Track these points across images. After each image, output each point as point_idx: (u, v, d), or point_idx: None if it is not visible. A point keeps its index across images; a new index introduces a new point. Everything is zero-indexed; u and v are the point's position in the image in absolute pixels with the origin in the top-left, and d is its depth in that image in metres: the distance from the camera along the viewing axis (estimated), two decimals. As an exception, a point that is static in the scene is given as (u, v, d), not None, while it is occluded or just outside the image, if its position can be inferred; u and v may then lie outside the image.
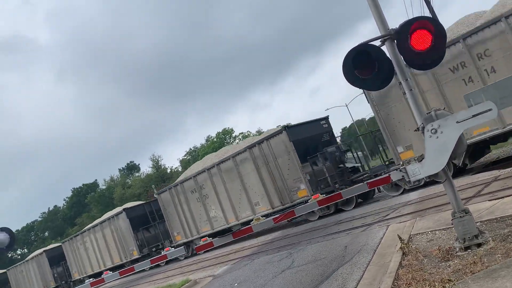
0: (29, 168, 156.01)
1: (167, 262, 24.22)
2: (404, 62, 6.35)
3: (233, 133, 71.02)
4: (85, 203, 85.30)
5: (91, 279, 28.85)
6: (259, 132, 68.79)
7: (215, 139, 70.10)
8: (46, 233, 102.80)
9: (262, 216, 18.74)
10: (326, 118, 20.45)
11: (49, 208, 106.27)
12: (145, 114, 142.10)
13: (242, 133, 70.86)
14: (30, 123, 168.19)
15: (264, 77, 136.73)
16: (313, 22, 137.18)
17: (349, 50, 6.14)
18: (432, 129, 6.08)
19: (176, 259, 23.96)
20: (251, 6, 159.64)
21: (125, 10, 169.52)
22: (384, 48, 6.37)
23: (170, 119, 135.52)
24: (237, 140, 68.88)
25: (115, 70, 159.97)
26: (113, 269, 27.22)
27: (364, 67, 6.19)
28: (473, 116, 5.81)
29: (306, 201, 17.16)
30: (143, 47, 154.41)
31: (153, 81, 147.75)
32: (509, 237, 6.06)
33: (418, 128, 6.45)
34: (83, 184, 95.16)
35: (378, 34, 6.43)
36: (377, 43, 6.36)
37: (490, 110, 5.69)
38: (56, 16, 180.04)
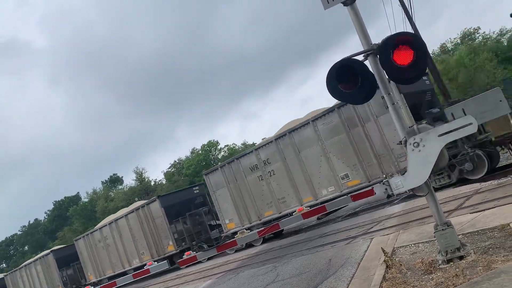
0: (9, 180, 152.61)
1: (151, 277, 23.87)
2: (387, 77, 6.45)
3: (219, 145, 70.73)
4: (66, 216, 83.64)
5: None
6: (244, 144, 68.69)
7: (200, 151, 69.68)
8: (26, 247, 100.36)
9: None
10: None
11: (29, 221, 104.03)
12: (134, 123, 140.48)
13: (227, 145, 70.61)
14: (17, 131, 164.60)
15: (257, 87, 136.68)
16: (307, 33, 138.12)
17: (332, 64, 6.23)
18: (415, 142, 6.16)
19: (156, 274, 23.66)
20: (247, 16, 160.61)
21: (123, 17, 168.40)
22: (367, 62, 6.46)
23: (160, 129, 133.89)
24: (222, 153, 68.59)
25: (109, 77, 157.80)
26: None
27: (347, 81, 6.27)
28: (454, 130, 5.93)
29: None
30: (139, 54, 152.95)
31: (145, 90, 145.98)
32: (490, 249, 6.14)
33: (400, 142, 6.52)
34: (65, 197, 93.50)
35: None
36: (360, 57, 6.46)
37: (470, 124, 5.81)
38: (52, 20, 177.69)
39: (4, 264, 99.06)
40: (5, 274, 38.49)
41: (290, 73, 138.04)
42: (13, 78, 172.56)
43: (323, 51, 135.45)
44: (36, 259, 33.05)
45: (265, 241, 19.16)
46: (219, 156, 67.36)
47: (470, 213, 9.12)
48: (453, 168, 13.99)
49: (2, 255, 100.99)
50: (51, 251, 31.58)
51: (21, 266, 36.04)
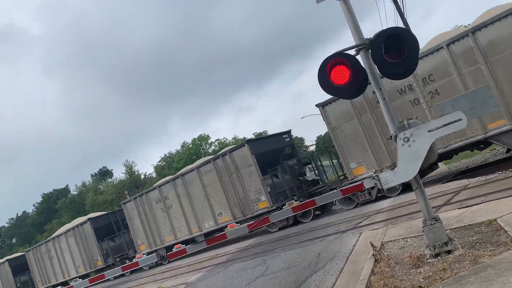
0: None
1: (140, 270, 23.80)
2: (378, 72, 6.45)
3: (209, 139, 70.58)
4: (55, 209, 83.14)
5: (59, 287, 28.22)
6: (235, 139, 68.62)
7: (190, 145, 69.51)
8: (14, 240, 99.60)
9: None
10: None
11: (17, 213, 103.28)
12: (126, 116, 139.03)
13: (218, 139, 70.53)
14: (6, 121, 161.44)
15: (251, 80, 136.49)
16: (302, 27, 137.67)
17: (324, 58, 6.21)
18: (405, 137, 6.18)
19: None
20: (244, 9, 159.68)
21: (121, 8, 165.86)
22: (359, 57, 6.45)
23: (151, 122, 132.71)
24: (212, 147, 68.50)
25: (103, 70, 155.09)
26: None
27: (339, 75, 6.26)
28: (444, 125, 5.95)
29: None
30: (134, 47, 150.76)
31: (140, 83, 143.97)
32: (477, 244, 6.21)
33: (390, 137, 6.54)
34: (53, 190, 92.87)
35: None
36: (352, 52, 6.45)
37: (460, 120, 5.85)
38: (50, 7, 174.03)
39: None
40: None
41: (284, 67, 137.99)
42: (5, 65, 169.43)
43: (318, 45, 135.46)
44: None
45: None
46: (210, 150, 67.28)
47: (458, 208, 9.21)
48: None
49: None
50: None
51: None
